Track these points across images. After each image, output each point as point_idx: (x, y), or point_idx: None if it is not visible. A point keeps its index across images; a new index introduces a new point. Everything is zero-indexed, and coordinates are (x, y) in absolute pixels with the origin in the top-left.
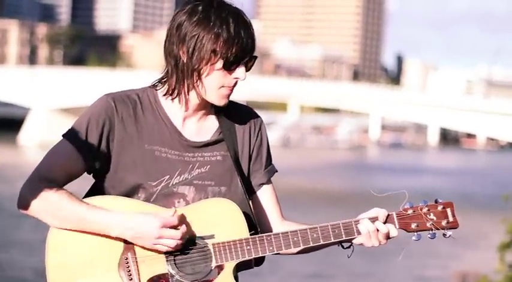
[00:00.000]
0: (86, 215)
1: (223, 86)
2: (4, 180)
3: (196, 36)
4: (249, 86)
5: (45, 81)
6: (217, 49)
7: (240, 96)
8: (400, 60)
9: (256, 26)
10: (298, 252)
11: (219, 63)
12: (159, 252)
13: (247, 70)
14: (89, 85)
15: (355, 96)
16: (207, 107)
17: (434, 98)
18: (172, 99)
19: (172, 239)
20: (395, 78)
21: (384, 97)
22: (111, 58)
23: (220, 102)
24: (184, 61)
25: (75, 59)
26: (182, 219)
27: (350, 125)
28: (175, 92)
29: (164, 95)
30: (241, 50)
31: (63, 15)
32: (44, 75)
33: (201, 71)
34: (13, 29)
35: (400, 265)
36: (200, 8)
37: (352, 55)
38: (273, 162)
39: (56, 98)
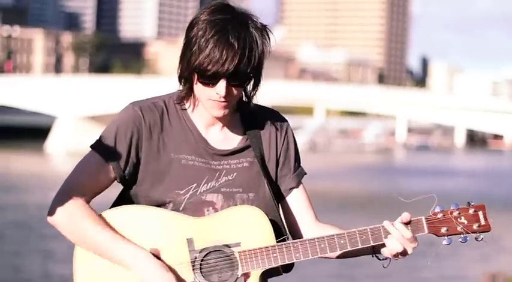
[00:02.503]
0: (106, 246)
1: (210, 99)
2: (31, 188)
3: (184, 48)
4: (274, 91)
5: (71, 90)
6: (194, 63)
7: (265, 100)
8: (425, 63)
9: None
10: (337, 257)
11: (197, 77)
12: (185, 261)
13: (240, 86)
14: (115, 92)
15: (381, 100)
16: (230, 113)
17: (460, 99)
18: (189, 106)
19: None
20: (420, 81)
21: (410, 100)
22: (136, 65)
23: (213, 113)
24: (180, 70)
25: (101, 67)
26: (210, 228)
27: (376, 128)
28: (184, 100)
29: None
30: (213, 66)
31: (88, 24)
32: (69, 84)
33: (191, 83)
34: (38, 38)
35: (428, 265)
36: (201, 17)
37: (377, 58)
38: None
39: (82, 106)
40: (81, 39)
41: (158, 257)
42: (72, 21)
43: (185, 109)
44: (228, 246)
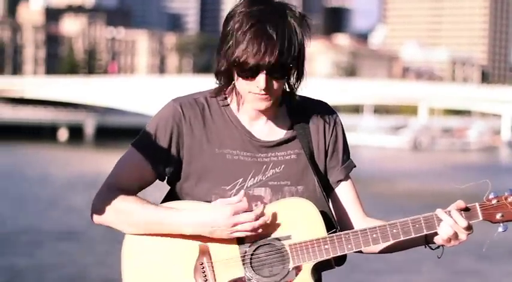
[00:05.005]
0: (156, 217)
1: (250, 92)
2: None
3: (221, 43)
4: (378, 90)
5: (175, 90)
6: (232, 57)
7: (368, 100)
8: None
9: (383, 30)
10: (381, 252)
11: (236, 71)
12: (235, 256)
13: (281, 78)
14: None
15: (485, 98)
16: (274, 106)
17: None
18: (231, 101)
19: (247, 222)
20: None
21: None
22: None
23: (255, 106)
24: (217, 65)
25: (204, 67)
26: (260, 221)
27: (481, 126)
28: (224, 95)
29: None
30: (252, 59)
31: (191, 24)
32: (173, 84)
33: (229, 77)
34: (142, 39)
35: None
36: (237, 10)
37: (481, 56)
38: (403, 165)
39: None
40: (185, 40)
41: (208, 252)
42: (175, 22)
43: (227, 104)
44: (278, 239)
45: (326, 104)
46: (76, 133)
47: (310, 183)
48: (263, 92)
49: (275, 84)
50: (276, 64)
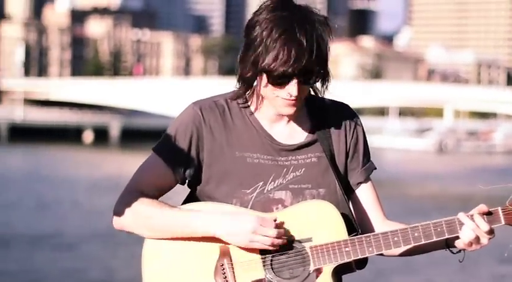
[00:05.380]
0: (177, 219)
1: (277, 97)
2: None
3: (246, 50)
4: (403, 92)
5: (200, 92)
6: (262, 64)
7: (393, 102)
8: None
9: (409, 32)
10: (401, 254)
11: (266, 78)
12: (256, 257)
13: (312, 84)
14: None
15: (511, 100)
16: (298, 109)
17: None
18: (251, 103)
19: (268, 236)
20: None
21: None
22: None
23: (282, 111)
24: (241, 71)
25: (230, 69)
26: (280, 223)
27: (506, 129)
28: (244, 98)
29: (239, 100)
30: (283, 67)
31: (216, 26)
32: (198, 86)
33: (251, 83)
34: (167, 41)
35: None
36: (261, 16)
37: (507, 58)
38: (428, 167)
39: None
40: (210, 42)
41: (228, 254)
42: (200, 24)
43: (247, 106)
44: (299, 241)
45: (347, 105)
46: (101, 135)
47: (331, 185)
48: (293, 98)
49: (305, 90)
50: (306, 70)
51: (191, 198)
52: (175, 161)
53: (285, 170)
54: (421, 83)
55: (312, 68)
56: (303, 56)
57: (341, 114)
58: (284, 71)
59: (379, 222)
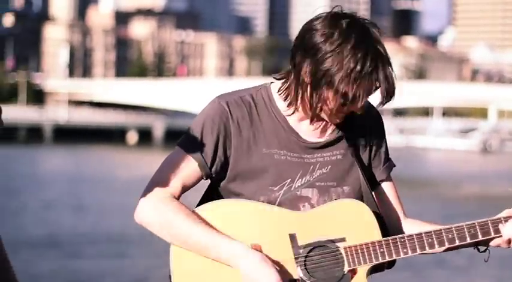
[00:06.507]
0: (204, 239)
1: (338, 112)
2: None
3: (326, 69)
4: (447, 92)
5: None
6: (341, 88)
7: (437, 102)
8: None
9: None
10: (433, 252)
11: (339, 99)
12: (290, 258)
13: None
14: None
15: None
16: None
17: None
18: (285, 100)
19: None
20: None
21: None
22: None
23: (333, 121)
24: (306, 81)
25: (273, 70)
26: (314, 223)
27: None
28: (289, 98)
29: (278, 92)
30: (366, 92)
31: (260, 27)
32: (242, 87)
33: (319, 97)
34: (211, 42)
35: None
36: (338, 35)
37: None
38: (472, 167)
39: None
40: (254, 42)
41: (261, 252)
42: (244, 25)
43: (275, 102)
44: (332, 241)
45: (369, 103)
46: (145, 136)
47: (355, 183)
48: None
49: None
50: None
51: (212, 193)
52: (201, 156)
53: (312, 167)
54: (465, 83)
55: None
56: (382, 80)
57: (366, 112)
58: (363, 95)
59: (400, 220)
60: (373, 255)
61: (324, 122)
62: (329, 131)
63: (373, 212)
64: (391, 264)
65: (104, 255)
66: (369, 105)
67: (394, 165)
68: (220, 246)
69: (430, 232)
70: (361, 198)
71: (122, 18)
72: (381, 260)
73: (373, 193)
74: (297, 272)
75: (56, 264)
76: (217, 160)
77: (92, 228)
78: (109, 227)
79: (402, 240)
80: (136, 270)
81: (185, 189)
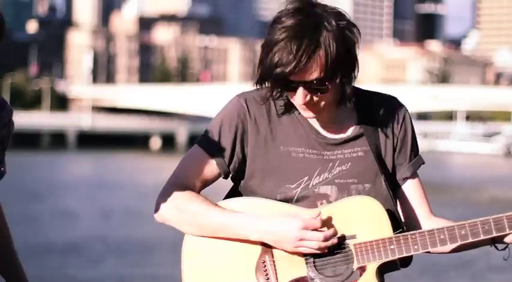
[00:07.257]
0: (221, 220)
1: (297, 103)
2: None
3: (264, 51)
4: (471, 96)
5: None
6: (269, 72)
7: (461, 106)
8: None
9: (476, 35)
10: (451, 251)
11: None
12: (298, 254)
13: (319, 91)
14: None
15: None
16: (329, 109)
17: None
18: None
19: (315, 240)
20: None
21: None
22: None
23: (304, 115)
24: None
25: None
26: (324, 220)
27: None
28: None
29: None
30: (283, 77)
31: None
32: None
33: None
34: (234, 47)
35: None
36: (276, 24)
37: None
38: (495, 171)
39: None
40: None
41: (270, 250)
42: (267, 30)
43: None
44: (343, 238)
45: (395, 98)
46: (168, 141)
47: (377, 181)
48: (304, 105)
49: (314, 98)
50: (310, 80)
51: (234, 192)
52: (219, 154)
53: (331, 164)
54: (489, 86)
55: (318, 77)
56: (303, 67)
57: (389, 107)
58: (289, 79)
59: (425, 219)
60: (382, 252)
61: (345, 117)
62: (350, 127)
63: (389, 209)
64: (405, 262)
65: (127, 262)
66: (392, 99)
67: (423, 162)
68: (240, 224)
69: (442, 228)
70: (382, 195)
71: (145, 23)
72: (390, 257)
73: (390, 191)
74: (306, 269)
75: (78, 271)
76: (235, 158)
77: (115, 234)
78: (133, 233)
79: (413, 236)
80: (159, 277)
81: (203, 186)
